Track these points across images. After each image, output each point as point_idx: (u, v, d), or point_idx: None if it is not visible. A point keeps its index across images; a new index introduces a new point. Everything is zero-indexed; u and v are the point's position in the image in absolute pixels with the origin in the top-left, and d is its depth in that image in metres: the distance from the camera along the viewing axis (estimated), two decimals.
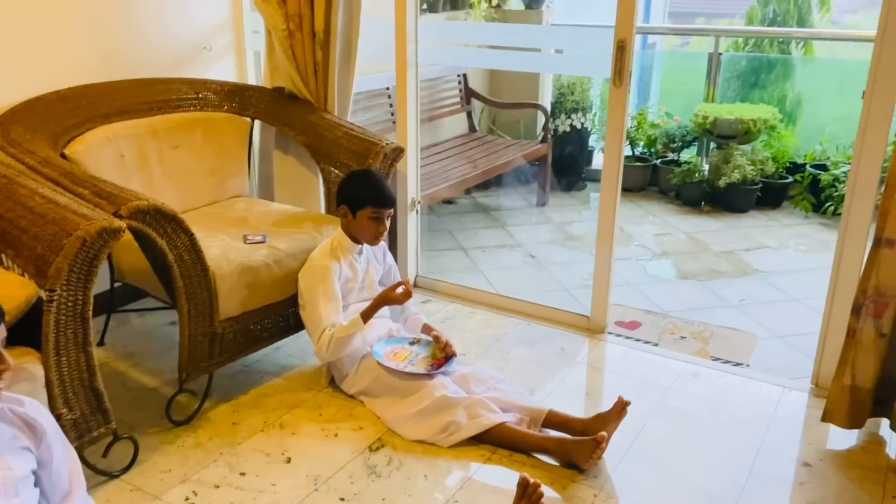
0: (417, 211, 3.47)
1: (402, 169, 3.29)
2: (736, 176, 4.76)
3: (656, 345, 3.05)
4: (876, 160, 2.38)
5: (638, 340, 3.07)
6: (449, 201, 4.90)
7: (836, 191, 4.62)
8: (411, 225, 3.45)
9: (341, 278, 2.48)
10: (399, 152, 2.90)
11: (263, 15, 3.02)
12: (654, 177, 5.37)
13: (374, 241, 2.55)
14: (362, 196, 2.47)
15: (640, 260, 4.12)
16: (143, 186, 2.74)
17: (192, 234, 2.23)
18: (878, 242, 2.19)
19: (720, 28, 6.47)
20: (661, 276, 3.92)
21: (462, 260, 4.02)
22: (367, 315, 2.41)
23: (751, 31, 6.51)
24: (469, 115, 5.18)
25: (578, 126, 5.26)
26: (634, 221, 4.77)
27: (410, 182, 3.39)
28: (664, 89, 6.21)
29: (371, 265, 2.62)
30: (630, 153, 5.45)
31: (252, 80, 3.53)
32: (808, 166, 4.94)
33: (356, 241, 2.54)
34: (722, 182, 4.80)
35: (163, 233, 2.17)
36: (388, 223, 2.52)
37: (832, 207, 4.64)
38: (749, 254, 4.20)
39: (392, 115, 4.24)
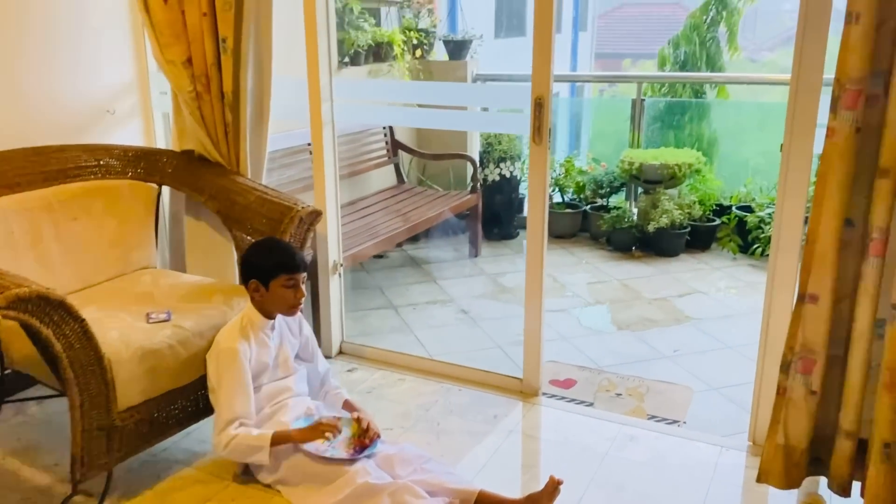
0: (340, 274, 3.32)
1: (321, 230, 3.15)
2: (664, 221, 4.78)
3: (591, 404, 2.95)
4: (797, 214, 2.36)
5: (573, 401, 2.97)
6: (379, 255, 4.77)
7: (763, 232, 4.67)
8: (334, 289, 3.30)
9: (252, 360, 2.31)
10: (316, 216, 2.76)
11: (168, 77, 2.87)
12: (585, 223, 5.36)
13: (292, 311, 2.39)
14: (273, 265, 2.32)
15: (574, 310, 4.06)
16: (37, 265, 2.54)
17: (83, 321, 2.04)
18: (801, 298, 2.15)
19: (642, 75, 6.60)
20: (595, 328, 3.85)
21: (392, 319, 3.88)
22: (279, 440, 2.22)
23: (669, 77, 6.67)
24: (397, 166, 5.09)
25: (508, 175, 5.22)
26: (567, 269, 4.72)
27: (331, 244, 3.25)
28: (594, 132, 6.27)
29: (285, 340, 2.45)
30: (560, 199, 5.44)
31: (161, 144, 3.36)
32: (733, 208, 5.00)
33: (269, 315, 2.37)
34: (651, 227, 4.81)
35: (48, 321, 1.97)
36: (304, 289, 2.37)
37: (759, 249, 4.69)
38: (682, 300, 4.18)
39: None
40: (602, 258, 4.93)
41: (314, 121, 3.11)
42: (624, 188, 5.33)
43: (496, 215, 5.26)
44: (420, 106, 3.75)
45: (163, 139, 3.37)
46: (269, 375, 2.38)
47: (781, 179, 2.36)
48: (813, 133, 2.30)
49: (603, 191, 5.26)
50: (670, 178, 4.94)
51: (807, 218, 2.32)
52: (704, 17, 7.65)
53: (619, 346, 3.59)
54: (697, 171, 5.05)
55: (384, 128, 4.92)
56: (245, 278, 2.34)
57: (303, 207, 2.73)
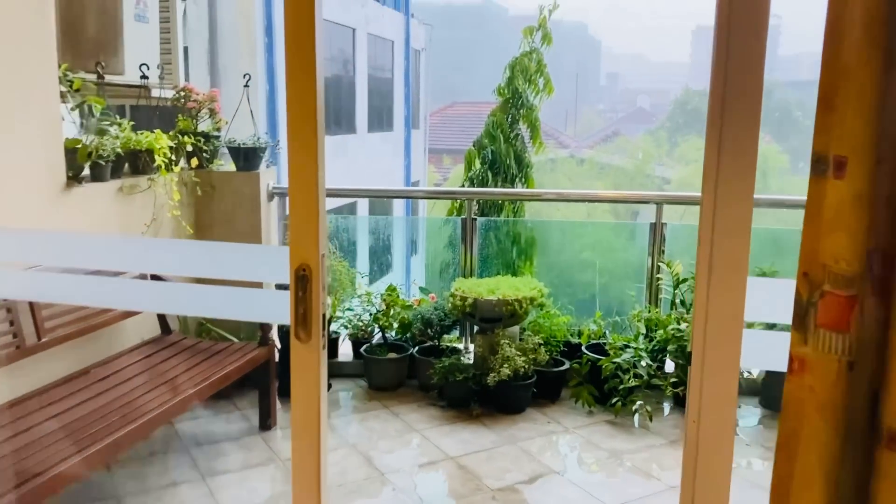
0: None
1: None
2: (506, 372, 3.86)
3: None
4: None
5: None
6: None
7: (621, 382, 3.86)
8: None
9: None
10: None
11: None
12: (413, 368, 4.34)
13: None
14: None
15: None
16: None
17: None
18: None
19: (469, 191, 5.81)
20: None
21: None
22: None
23: (499, 194, 5.91)
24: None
25: None
26: (389, 444, 3.64)
27: None
28: (429, 254, 5.33)
29: None
30: (381, 340, 4.40)
31: None
32: (583, 348, 4.19)
33: None
34: (491, 380, 3.87)
35: None
36: None
37: (619, 402, 3.86)
38: (532, 488, 3.21)
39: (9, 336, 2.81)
40: (434, 421, 3.90)
41: None
42: (457, 325, 4.41)
43: None
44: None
45: None
46: None
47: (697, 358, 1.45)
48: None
49: (433, 330, 4.29)
50: (510, 315, 4.06)
51: None
52: (506, 115, 7.24)
53: None
54: (541, 306, 4.22)
55: None
56: None
57: None
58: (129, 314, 3.56)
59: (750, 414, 4.05)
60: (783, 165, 22.81)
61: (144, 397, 3.11)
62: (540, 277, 4.67)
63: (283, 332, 4.03)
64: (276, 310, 1.75)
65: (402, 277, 5.11)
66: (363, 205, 14.32)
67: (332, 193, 4.98)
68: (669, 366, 4.19)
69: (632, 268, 4.64)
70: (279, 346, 4.08)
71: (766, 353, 1.64)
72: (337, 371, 4.46)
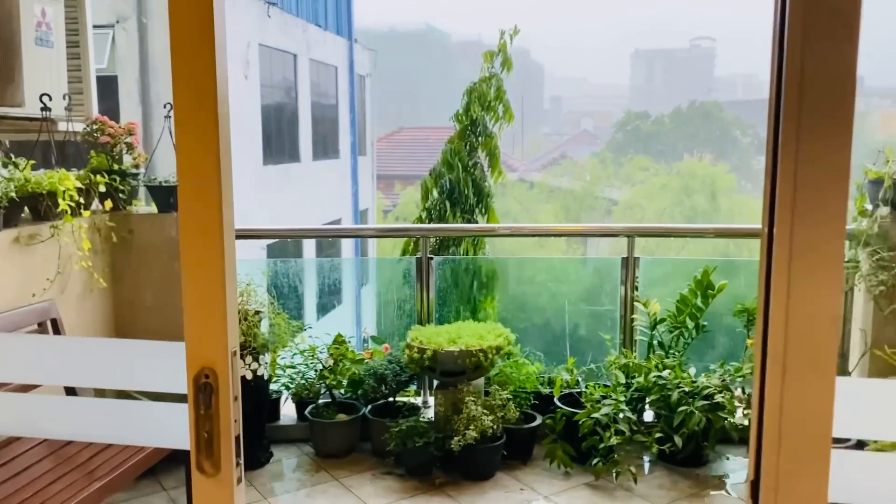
0: None
1: None
2: (472, 434, 3.41)
3: None
4: None
5: None
6: None
7: (601, 441, 3.44)
8: None
9: None
10: None
11: None
12: (366, 429, 3.85)
13: None
14: None
15: None
16: None
17: None
18: None
19: (423, 227, 5.35)
20: None
21: None
22: None
23: (457, 230, 5.45)
24: None
25: (249, 375, 3.61)
26: None
27: None
28: (381, 298, 4.84)
29: None
30: (328, 399, 3.90)
31: None
32: (556, 400, 3.77)
33: None
34: (455, 444, 3.41)
35: None
36: None
37: (599, 462, 3.44)
38: None
39: None
40: (391, 493, 3.41)
41: None
42: (415, 380, 3.95)
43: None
44: None
45: None
46: None
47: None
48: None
49: (387, 387, 3.81)
50: (474, 367, 3.62)
51: None
52: (464, 143, 6.84)
53: None
54: (508, 355, 3.79)
55: None
56: None
57: None
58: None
59: None
60: (731, 185, 23.02)
61: (49, 489, 2.56)
62: (504, 319, 4.25)
63: None
64: (176, 429, 1.26)
65: (353, 326, 4.63)
66: (310, 244, 13.75)
67: (269, 235, 4.48)
68: (648, 413, 3.81)
69: (603, 307, 4.26)
70: None
71: (865, 484, 1.22)
72: (279, 436, 3.94)
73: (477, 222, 6.97)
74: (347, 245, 14.90)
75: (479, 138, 6.85)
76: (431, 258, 4.10)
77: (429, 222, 6.83)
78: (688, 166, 25.59)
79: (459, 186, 6.52)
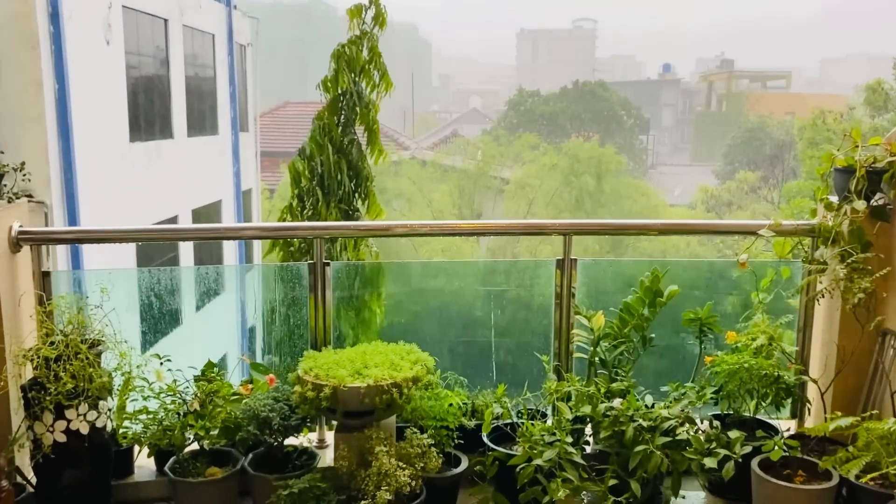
0: None
1: None
2: (385, 497, 2.66)
3: None
4: None
5: None
6: None
7: (545, 492, 2.78)
8: None
9: None
10: None
11: None
12: (246, 481, 3.02)
13: None
14: None
15: None
16: None
17: None
18: None
19: (316, 226, 4.47)
20: None
21: None
22: None
23: (358, 229, 4.59)
24: None
25: (86, 429, 2.70)
26: None
27: None
28: (266, 315, 3.94)
29: None
30: (197, 446, 3.04)
31: None
32: (486, 439, 3.08)
33: None
34: None
35: None
36: None
37: None
38: None
39: None
40: None
41: None
42: (309, 421, 3.14)
43: None
44: None
45: None
46: None
47: None
48: None
49: (272, 434, 2.98)
50: (386, 406, 2.87)
51: None
52: (336, 118, 5.92)
53: None
54: (428, 386, 3.06)
55: None
56: None
57: None
58: None
59: None
60: (621, 167, 23.15)
61: None
62: (413, 335, 3.51)
63: (38, 464, 2.60)
64: None
65: (237, 349, 3.79)
66: (187, 249, 12.45)
67: (112, 237, 3.54)
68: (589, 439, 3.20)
69: (534, 319, 3.61)
70: (32, 483, 2.64)
71: None
72: (132, 496, 3.06)
73: (357, 210, 6.13)
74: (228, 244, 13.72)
75: (355, 110, 5.96)
76: (328, 264, 3.29)
77: (301, 212, 5.94)
78: (575, 147, 25.53)
79: (330, 171, 5.64)
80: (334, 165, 5.71)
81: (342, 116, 5.98)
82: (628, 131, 41.20)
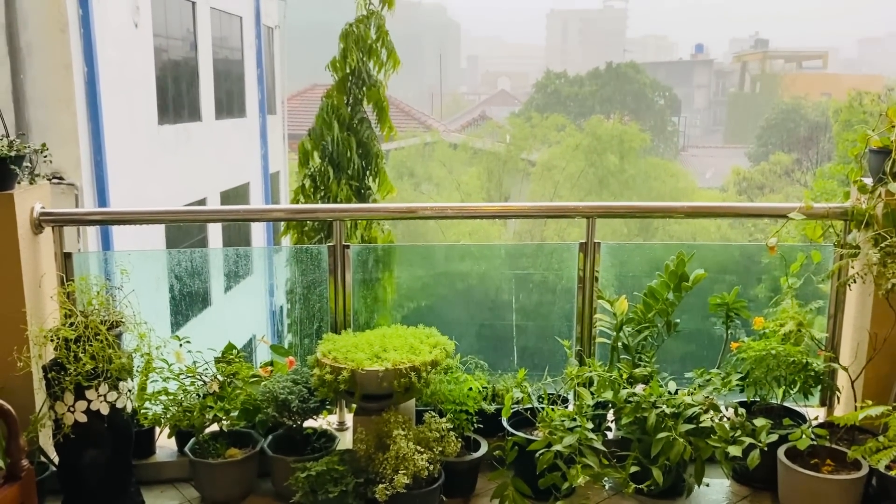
0: None
1: None
2: (402, 480, 2.64)
3: None
4: None
5: None
6: None
7: (565, 478, 2.74)
8: None
9: None
10: None
11: None
12: (265, 463, 3.03)
13: None
14: None
15: None
16: None
17: None
18: None
19: (337, 208, 4.45)
20: None
21: None
22: None
23: (372, 210, 4.54)
24: None
25: (106, 409, 2.72)
26: None
27: None
28: (290, 296, 3.94)
29: None
30: (217, 428, 3.05)
31: None
32: (505, 424, 3.05)
33: None
34: (381, 493, 2.64)
35: None
36: None
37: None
38: None
39: None
40: None
41: None
42: (328, 404, 3.13)
43: (90, 488, 2.72)
44: None
45: None
46: None
47: None
48: None
49: (291, 416, 2.98)
50: (405, 390, 2.85)
51: None
52: (346, 98, 5.92)
53: None
54: (447, 370, 3.03)
55: None
56: None
57: None
58: None
59: None
60: (646, 145, 22.78)
61: None
62: (433, 318, 3.48)
63: (59, 444, 2.63)
64: None
65: (265, 331, 3.80)
66: (216, 232, 12.55)
67: (140, 219, 3.55)
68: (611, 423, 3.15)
69: (557, 303, 3.55)
70: (55, 462, 2.68)
71: None
72: (154, 476, 3.08)
73: (368, 188, 6.12)
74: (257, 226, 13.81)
75: (363, 89, 5.97)
76: (347, 247, 3.27)
77: (312, 192, 5.95)
78: (594, 125, 25.05)
79: (340, 148, 5.63)
80: (343, 143, 5.72)
81: (351, 96, 6.00)
82: (659, 113, 40.58)
